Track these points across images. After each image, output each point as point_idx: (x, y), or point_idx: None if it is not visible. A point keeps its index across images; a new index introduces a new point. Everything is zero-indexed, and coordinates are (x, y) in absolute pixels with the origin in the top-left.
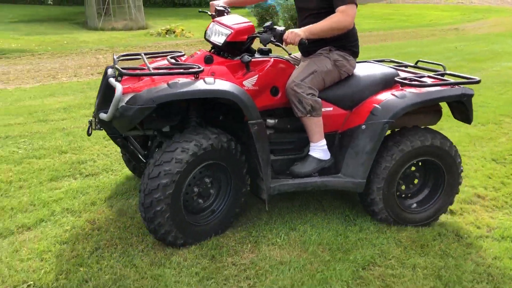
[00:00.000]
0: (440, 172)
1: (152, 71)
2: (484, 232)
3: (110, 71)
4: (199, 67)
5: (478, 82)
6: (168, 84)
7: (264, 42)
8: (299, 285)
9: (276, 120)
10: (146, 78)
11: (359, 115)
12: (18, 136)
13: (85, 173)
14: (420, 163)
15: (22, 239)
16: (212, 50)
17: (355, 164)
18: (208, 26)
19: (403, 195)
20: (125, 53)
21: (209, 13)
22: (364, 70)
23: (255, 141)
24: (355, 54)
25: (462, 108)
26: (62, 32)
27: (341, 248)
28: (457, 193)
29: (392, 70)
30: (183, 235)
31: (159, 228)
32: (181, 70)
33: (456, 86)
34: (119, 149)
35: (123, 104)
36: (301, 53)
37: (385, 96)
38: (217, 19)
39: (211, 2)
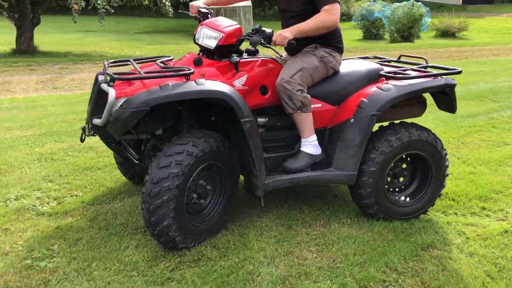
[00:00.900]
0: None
1: (143, 74)
2: None
3: (101, 77)
4: (189, 69)
5: (459, 72)
6: (160, 87)
7: (254, 44)
8: (361, 254)
9: (267, 119)
10: (137, 83)
11: (347, 109)
12: None
13: None
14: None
15: None
16: (201, 53)
17: (345, 157)
18: (197, 30)
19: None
20: (114, 60)
21: (191, 14)
22: (349, 66)
23: (248, 138)
24: (340, 50)
25: (446, 99)
26: (179, 42)
27: (404, 232)
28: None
29: (377, 65)
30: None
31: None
32: (172, 73)
33: (439, 77)
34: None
35: (117, 108)
36: (287, 52)
37: (371, 90)
38: (205, 22)
39: (191, 3)
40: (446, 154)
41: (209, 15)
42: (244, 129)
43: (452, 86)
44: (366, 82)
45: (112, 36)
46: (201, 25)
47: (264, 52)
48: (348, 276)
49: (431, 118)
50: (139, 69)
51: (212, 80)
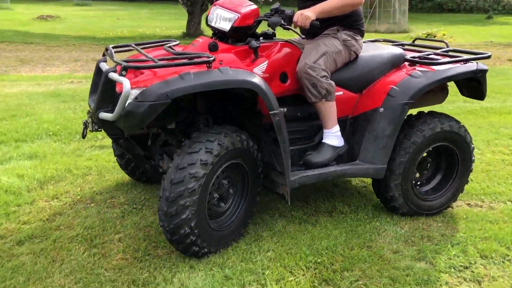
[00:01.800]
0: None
1: (158, 62)
2: None
3: (103, 65)
4: (209, 56)
5: (488, 57)
6: (180, 76)
7: (273, 25)
8: (486, 230)
9: (286, 109)
10: (147, 72)
11: (374, 97)
12: None
13: None
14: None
15: None
16: (214, 37)
17: (374, 149)
18: (209, 10)
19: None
20: (115, 45)
21: None
22: (371, 50)
23: (277, 132)
24: (362, 33)
25: (474, 85)
26: None
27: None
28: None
29: (400, 50)
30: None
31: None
32: (192, 60)
33: (469, 62)
34: None
35: (130, 101)
36: (304, 35)
37: (400, 77)
38: (219, 2)
39: None
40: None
41: None
42: (273, 122)
43: (484, 71)
44: (389, 67)
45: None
46: (214, 5)
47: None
48: (470, 245)
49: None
50: (149, 56)
51: (232, 67)
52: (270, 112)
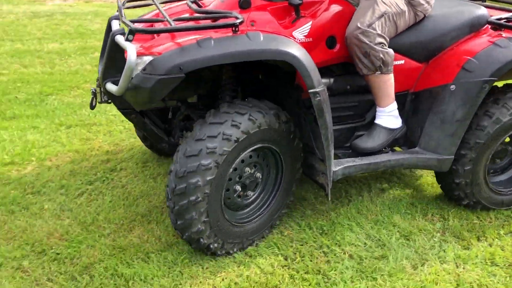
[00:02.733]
0: None
1: (173, 24)
2: None
3: (115, 24)
4: (237, 17)
5: None
6: (198, 43)
7: None
8: None
9: (332, 80)
10: (164, 34)
11: (444, 70)
12: None
13: None
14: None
15: None
16: None
17: (440, 135)
18: None
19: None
20: None
21: None
22: (442, 8)
23: (318, 115)
24: None
25: None
26: None
27: None
28: None
29: (481, 9)
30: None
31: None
32: (215, 24)
33: None
34: None
35: (138, 72)
36: None
37: (481, 45)
38: None
39: None
40: None
41: None
42: (313, 102)
43: None
44: (467, 31)
45: None
46: None
47: None
48: None
49: None
50: (166, 15)
51: (267, 31)
52: (309, 91)
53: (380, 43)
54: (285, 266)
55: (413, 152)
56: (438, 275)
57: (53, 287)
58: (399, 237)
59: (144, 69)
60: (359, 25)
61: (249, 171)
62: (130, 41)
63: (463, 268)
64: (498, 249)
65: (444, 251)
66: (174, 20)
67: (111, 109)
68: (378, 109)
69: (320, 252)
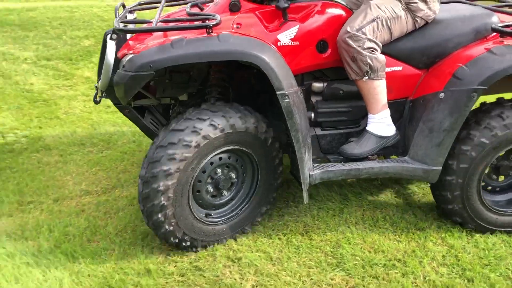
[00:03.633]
0: None
1: (156, 25)
2: None
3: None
4: (215, 19)
5: None
6: (171, 44)
7: None
8: None
9: (325, 84)
10: (157, 34)
11: (438, 78)
12: None
13: None
14: None
15: None
16: None
17: (427, 145)
18: None
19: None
20: (141, 1)
21: None
22: (447, 12)
23: (286, 117)
24: None
25: None
26: None
27: None
28: None
29: (488, 13)
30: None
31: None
32: (192, 24)
33: None
34: None
35: (119, 70)
36: None
37: (476, 52)
38: None
39: None
40: None
41: None
42: (281, 104)
43: None
44: (471, 38)
45: None
46: None
47: None
48: None
49: None
50: (157, 16)
51: (247, 33)
52: (277, 93)
53: (370, 47)
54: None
55: (400, 161)
56: None
57: None
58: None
59: (123, 66)
60: (348, 29)
61: (221, 172)
62: (114, 40)
63: None
64: None
65: None
66: (161, 21)
67: None
68: (369, 115)
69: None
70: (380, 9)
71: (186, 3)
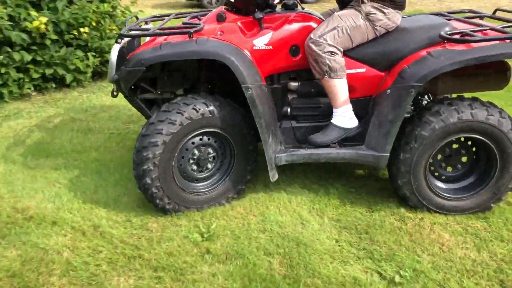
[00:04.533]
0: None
1: (151, 31)
2: None
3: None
4: (197, 26)
5: None
6: (160, 46)
7: None
8: None
9: (299, 83)
10: (159, 39)
11: (390, 78)
12: None
13: None
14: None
15: None
16: (230, 8)
17: (377, 134)
18: None
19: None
20: (156, 15)
21: None
22: (407, 23)
23: (251, 106)
24: (397, 5)
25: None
26: None
27: None
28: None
29: (442, 22)
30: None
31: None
32: (179, 30)
33: None
34: None
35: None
36: (338, 5)
37: (419, 55)
38: None
39: None
40: None
41: None
42: (246, 95)
43: None
44: (425, 44)
45: None
46: None
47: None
48: None
49: None
50: (157, 26)
51: (229, 38)
52: (242, 86)
53: (329, 51)
54: None
55: (356, 148)
56: None
57: None
58: None
59: (125, 63)
60: (312, 36)
61: (201, 151)
62: (119, 43)
63: None
64: None
65: None
66: (159, 29)
67: None
68: (333, 110)
69: None
70: (342, 19)
71: (192, 17)
